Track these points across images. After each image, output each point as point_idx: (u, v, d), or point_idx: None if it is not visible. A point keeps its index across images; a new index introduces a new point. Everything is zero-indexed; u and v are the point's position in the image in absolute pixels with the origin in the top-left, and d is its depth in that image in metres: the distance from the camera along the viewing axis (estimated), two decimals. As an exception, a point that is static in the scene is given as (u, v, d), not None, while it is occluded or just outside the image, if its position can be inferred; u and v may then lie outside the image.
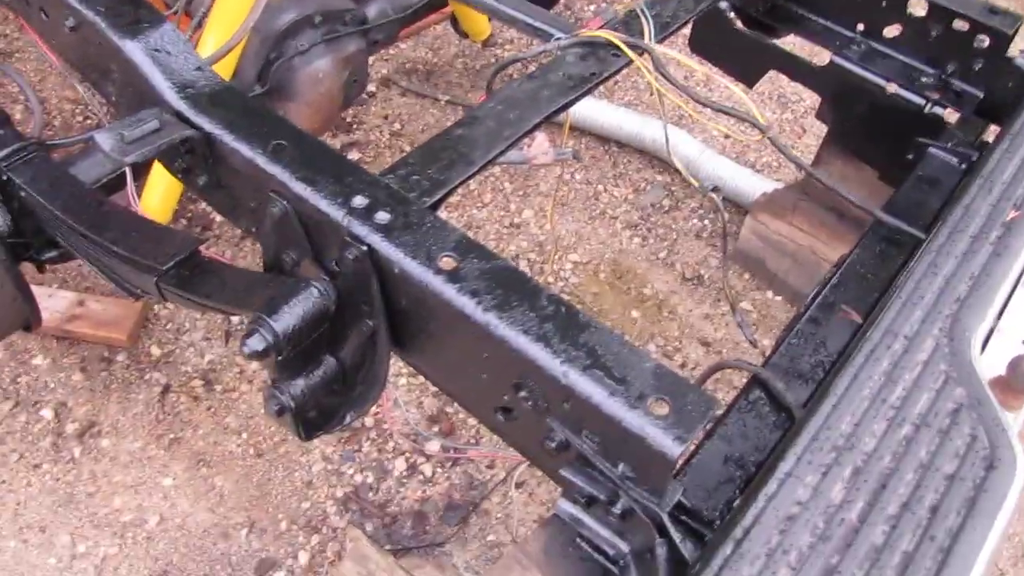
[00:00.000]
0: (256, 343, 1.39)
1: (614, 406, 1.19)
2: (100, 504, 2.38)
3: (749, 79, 2.60)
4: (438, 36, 3.63)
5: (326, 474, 2.43)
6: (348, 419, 1.55)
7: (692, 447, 1.33)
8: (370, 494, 2.39)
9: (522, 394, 1.30)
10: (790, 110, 3.54)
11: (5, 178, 1.99)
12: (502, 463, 2.45)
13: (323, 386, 1.53)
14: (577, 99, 1.72)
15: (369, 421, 2.51)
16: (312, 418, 1.55)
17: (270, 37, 2.33)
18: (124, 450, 2.48)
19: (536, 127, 1.64)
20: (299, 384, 1.50)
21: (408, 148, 3.21)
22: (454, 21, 3.09)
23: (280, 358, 1.42)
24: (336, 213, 1.39)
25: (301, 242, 1.46)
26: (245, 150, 1.48)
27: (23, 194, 1.98)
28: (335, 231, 1.40)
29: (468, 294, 1.29)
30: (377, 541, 2.24)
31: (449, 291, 1.30)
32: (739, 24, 2.50)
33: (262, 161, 1.46)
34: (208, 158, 1.55)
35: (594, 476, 1.27)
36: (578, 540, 1.37)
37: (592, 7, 3.92)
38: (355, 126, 3.29)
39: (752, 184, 3.07)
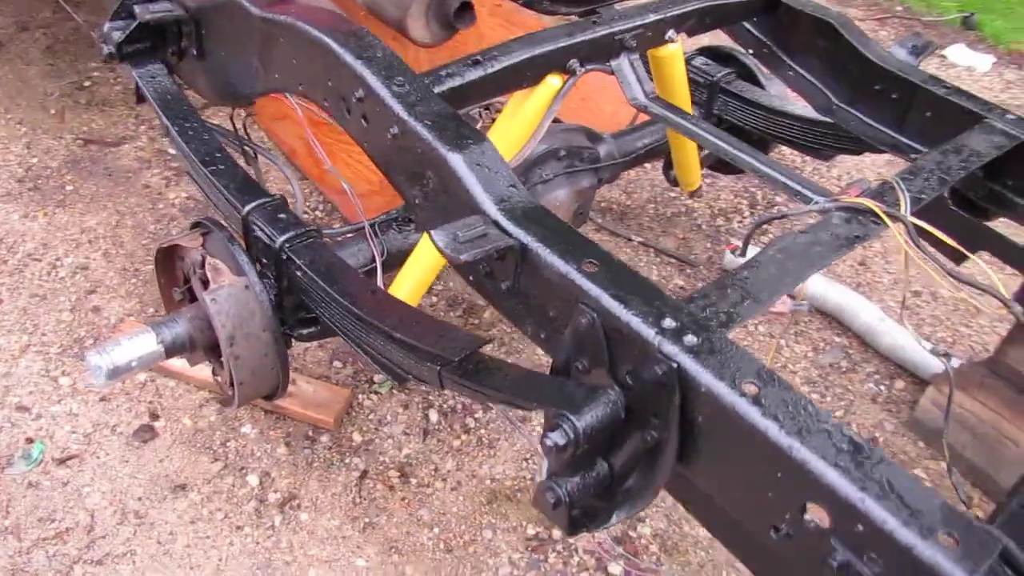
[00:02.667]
0: (559, 437, 1.52)
1: (907, 535, 1.29)
2: (295, 573, 2.51)
3: (957, 257, 2.71)
4: (632, 180, 3.84)
5: (512, 578, 2.53)
6: (615, 519, 1.67)
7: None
8: (552, 604, 2.48)
9: (807, 515, 1.40)
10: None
11: (285, 257, 2.20)
12: (680, 593, 2.53)
13: (594, 487, 1.64)
14: (840, 256, 1.86)
15: (556, 534, 2.61)
16: (576, 516, 1.67)
17: (522, 163, 2.54)
18: (321, 526, 2.61)
19: (807, 276, 1.78)
20: (574, 482, 1.63)
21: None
22: (667, 168, 3.29)
23: (571, 455, 1.55)
24: (647, 332, 1.53)
25: (599, 352, 1.60)
26: (560, 264, 1.63)
27: (299, 274, 2.18)
28: (640, 347, 1.53)
29: (771, 418, 1.41)
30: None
31: (754, 413, 1.42)
32: (951, 205, 2.63)
33: (576, 276, 1.61)
34: (518, 267, 1.71)
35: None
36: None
37: (809, 167, 4.09)
38: (550, 253, 3.48)
39: (930, 358, 3.15)
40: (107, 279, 3.31)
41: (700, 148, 3.09)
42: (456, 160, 1.80)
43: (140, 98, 2.88)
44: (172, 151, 3.91)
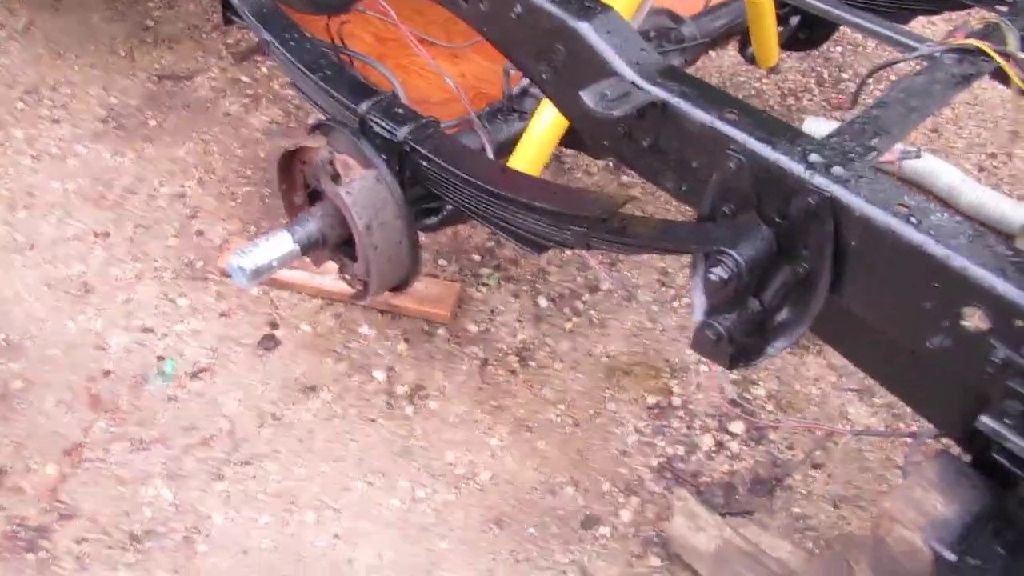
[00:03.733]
0: (722, 272, 1.62)
1: (1070, 324, 1.39)
2: (434, 457, 2.65)
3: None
4: (699, 68, 3.90)
5: (640, 445, 2.65)
6: (771, 351, 1.77)
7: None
8: (681, 465, 2.61)
9: (965, 319, 1.50)
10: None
11: (408, 148, 2.29)
12: (800, 445, 2.65)
13: (748, 324, 1.75)
14: (958, 93, 1.95)
15: (676, 400, 2.74)
16: (733, 352, 1.77)
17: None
18: (451, 412, 2.74)
19: (931, 112, 1.86)
20: (731, 318, 1.73)
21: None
22: (743, 46, 3.34)
23: (734, 290, 1.65)
24: (796, 167, 1.62)
25: (747, 195, 1.70)
26: (703, 115, 1.72)
27: (423, 163, 2.27)
28: (790, 183, 1.63)
29: (926, 232, 1.51)
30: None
31: (909, 230, 1.51)
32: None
33: (721, 124, 1.70)
34: (658, 123, 1.80)
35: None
36: (993, 455, 1.56)
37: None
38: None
39: (1015, 211, 3.23)
40: (205, 204, 3.42)
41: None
42: (587, 29, 1.87)
43: (227, 20, 2.95)
44: (246, 78, 4.00)
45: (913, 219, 1.53)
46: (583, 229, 1.89)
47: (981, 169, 3.60)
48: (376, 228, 2.25)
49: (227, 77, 4.05)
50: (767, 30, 3.11)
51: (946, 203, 3.37)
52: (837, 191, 1.58)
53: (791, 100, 3.84)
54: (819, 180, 1.60)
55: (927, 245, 1.50)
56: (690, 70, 3.77)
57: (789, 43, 3.39)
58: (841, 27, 3.40)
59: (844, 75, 3.97)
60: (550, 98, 2.12)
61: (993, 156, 3.63)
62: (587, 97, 1.72)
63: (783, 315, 1.76)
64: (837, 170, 1.61)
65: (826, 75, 3.97)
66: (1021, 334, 1.44)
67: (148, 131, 3.78)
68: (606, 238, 1.87)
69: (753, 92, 3.86)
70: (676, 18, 2.90)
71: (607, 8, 1.91)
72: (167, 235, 3.32)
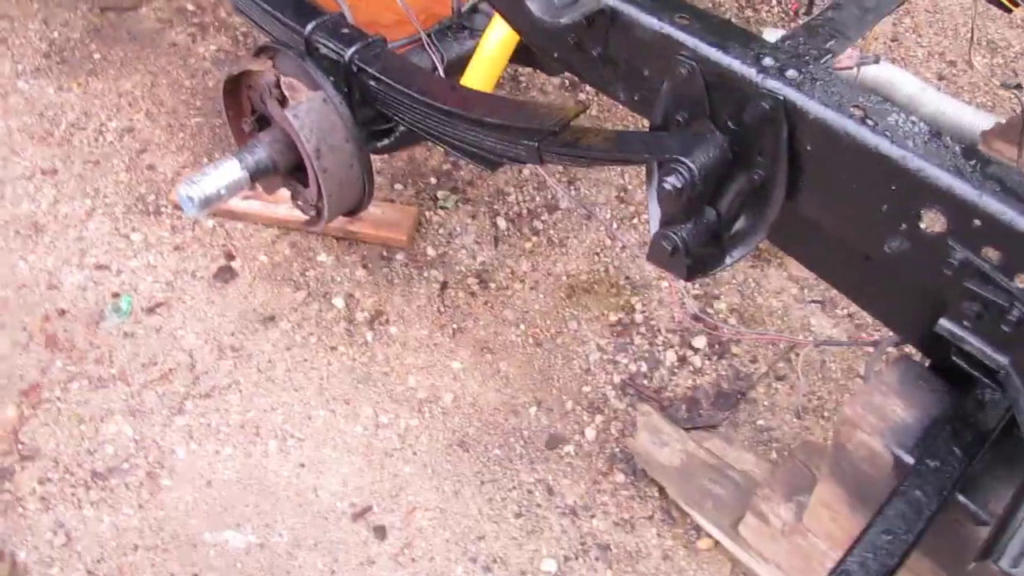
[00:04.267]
0: (676, 180, 1.59)
1: (1024, 222, 1.38)
2: (396, 382, 2.63)
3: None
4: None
5: (602, 363, 2.65)
6: (729, 260, 1.75)
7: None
8: (644, 381, 2.60)
9: (923, 222, 1.48)
10: (1000, 55, 3.67)
11: (356, 69, 2.23)
12: (763, 358, 2.65)
13: (705, 233, 1.72)
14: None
15: (639, 317, 2.73)
16: (690, 264, 1.75)
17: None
18: (412, 337, 2.72)
19: (888, 13, 1.83)
20: (687, 228, 1.70)
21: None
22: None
23: (688, 198, 1.62)
24: (749, 71, 1.58)
25: (699, 101, 1.66)
26: (653, 21, 1.68)
27: (372, 83, 2.21)
28: (743, 88, 1.59)
29: (882, 134, 1.48)
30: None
31: (865, 132, 1.49)
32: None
33: (671, 30, 1.66)
34: (608, 30, 1.75)
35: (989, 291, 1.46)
36: (953, 358, 1.57)
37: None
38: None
39: (975, 119, 3.20)
40: (155, 137, 3.34)
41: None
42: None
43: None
44: (192, 7, 3.89)
45: (869, 121, 1.50)
46: (535, 143, 1.85)
47: (941, 78, 3.57)
48: (326, 151, 2.20)
49: (172, 7, 3.93)
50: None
51: (906, 112, 3.34)
52: (791, 94, 1.55)
53: (749, 12, 3.78)
54: (772, 83, 1.56)
55: (883, 147, 1.48)
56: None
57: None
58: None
59: (802, -15, 3.92)
60: (498, 10, 2.06)
61: (953, 64, 3.61)
62: (534, 5, 1.68)
63: (740, 224, 1.73)
64: (791, 73, 1.57)
65: (784, -14, 3.92)
66: (979, 234, 1.43)
67: (93, 65, 3.67)
68: (559, 151, 1.83)
69: (710, 4, 3.79)
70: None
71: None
72: (117, 170, 3.24)
